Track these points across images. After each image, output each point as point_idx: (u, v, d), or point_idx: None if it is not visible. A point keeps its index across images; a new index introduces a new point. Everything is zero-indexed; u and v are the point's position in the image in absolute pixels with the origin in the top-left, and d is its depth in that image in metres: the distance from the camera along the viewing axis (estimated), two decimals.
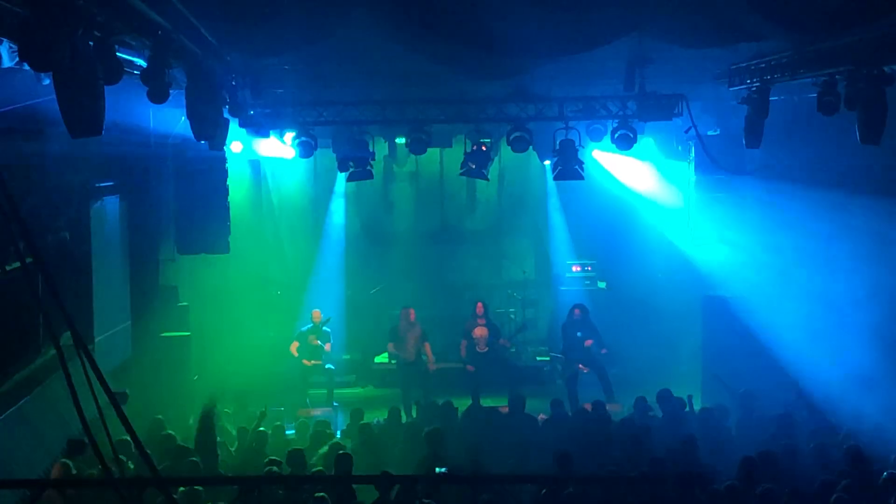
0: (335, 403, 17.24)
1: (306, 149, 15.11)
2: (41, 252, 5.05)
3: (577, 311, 17.05)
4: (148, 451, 5.69)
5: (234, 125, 13.74)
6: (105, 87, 7.60)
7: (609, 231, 19.39)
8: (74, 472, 9.83)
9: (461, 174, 16.30)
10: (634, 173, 18.65)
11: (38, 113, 9.38)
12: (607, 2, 9.75)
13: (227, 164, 15.83)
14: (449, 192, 20.35)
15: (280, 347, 17.95)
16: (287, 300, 19.27)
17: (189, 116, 10.99)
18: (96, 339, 13.04)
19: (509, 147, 15.29)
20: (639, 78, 13.50)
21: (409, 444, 12.39)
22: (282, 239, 20.00)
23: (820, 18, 9.53)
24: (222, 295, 18.02)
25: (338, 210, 19.84)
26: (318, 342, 17.46)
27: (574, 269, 19.64)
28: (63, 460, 10.10)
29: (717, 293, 17.04)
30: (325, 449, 11.79)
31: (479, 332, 17.20)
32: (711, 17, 9.99)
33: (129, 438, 7.69)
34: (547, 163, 17.39)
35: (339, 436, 13.11)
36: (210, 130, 11.40)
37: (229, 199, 15.91)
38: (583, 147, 15.38)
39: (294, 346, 17.49)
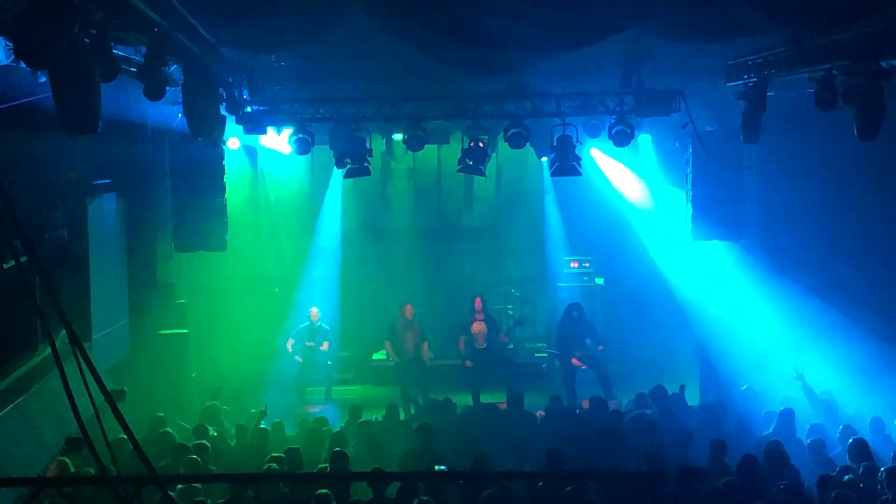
0: (333, 400, 17.24)
1: (303, 146, 15.09)
2: (38, 250, 5.04)
3: (574, 313, 17.04)
4: (147, 450, 5.68)
5: (230, 122, 13.73)
6: (101, 84, 7.59)
7: (606, 227, 19.38)
8: (73, 469, 9.82)
9: (458, 171, 16.27)
10: (629, 184, 18.80)
11: (35, 110, 9.36)
12: None
13: (224, 162, 15.81)
14: (446, 188, 20.33)
15: (278, 344, 17.95)
16: (284, 297, 19.26)
17: (186, 113, 10.99)
18: (94, 337, 13.03)
19: (506, 143, 15.28)
20: (636, 74, 13.51)
21: (407, 442, 12.39)
22: (279, 236, 19.99)
23: (817, 13, 9.53)
24: (220, 292, 18.02)
25: (335, 207, 19.82)
26: (313, 344, 17.51)
27: (572, 265, 19.65)
28: (61, 458, 10.09)
29: (714, 289, 17.07)
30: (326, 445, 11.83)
31: (478, 327, 17.19)
32: (708, 12, 9.99)
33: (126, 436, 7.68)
34: (544, 159, 17.38)
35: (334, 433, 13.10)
36: (207, 127, 11.39)
37: (226, 196, 15.89)
38: (580, 143, 15.37)
39: (290, 343, 17.52)
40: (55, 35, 6.40)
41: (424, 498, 9.34)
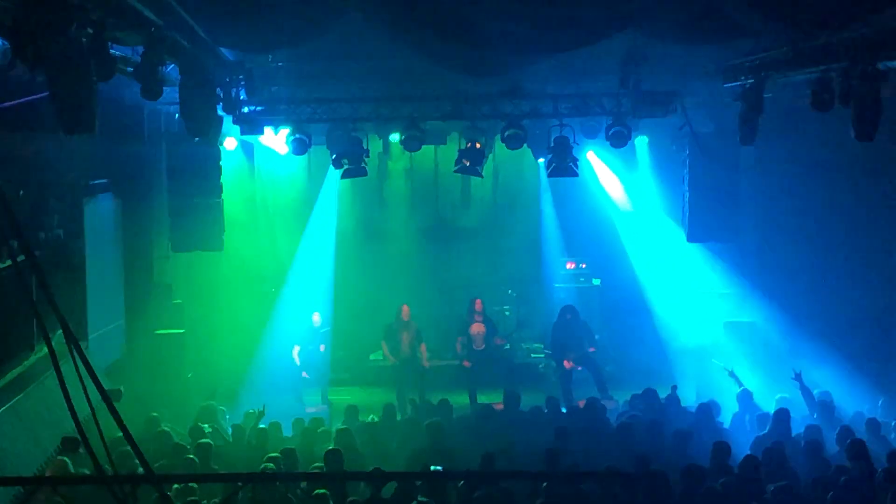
0: (329, 401, 17.23)
1: (300, 146, 15.09)
2: (34, 250, 5.03)
3: (568, 316, 17.03)
4: (143, 449, 5.67)
5: (227, 122, 13.72)
6: (98, 83, 7.59)
7: (603, 228, 19.40)
8: (73, 469, 9.80)
9: (455, 171, 16.27)
10: (625, 187, 18.88)
11: (31, 110, 9.34)
12: (598, 0, 9.76)
13: (220, 162, 15.80)
14: (443, 189, 20.31)
15: (274, 344, 17.92)
16: (280, 297, 19.23)
17: (183, 113, 11.00)
18: (90, 337, 13.02)
19: (503, 144, 15.29)
20: (633, 75, 13.51)
21: (404, 442, 12.39)
22: (276, 236, 19.96)
23: (814, 15, 9.53)
24: (216, 292, 18.00)
25: (332, 207, 19.80)
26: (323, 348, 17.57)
27: (568, 265, 19.66)
28: (60, 458, 10.07)
29: (712, 292, 17.11)
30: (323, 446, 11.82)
31: (477, 329, 17.19)
32: (705, 13, 9.99)
33: (122, 436, 7.66)
34: (541, 160, 17.40)
35: (333, 433, 13.08)
36: (204, 127, 11.39)
37: (223, 196, 15.88)
38: (577, 144, 15.38)
39: (295, 351, 17.51)
40: (52, 34, 6.40)
41: (423, 499, 9.34)
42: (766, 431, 11.99)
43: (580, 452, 11.24)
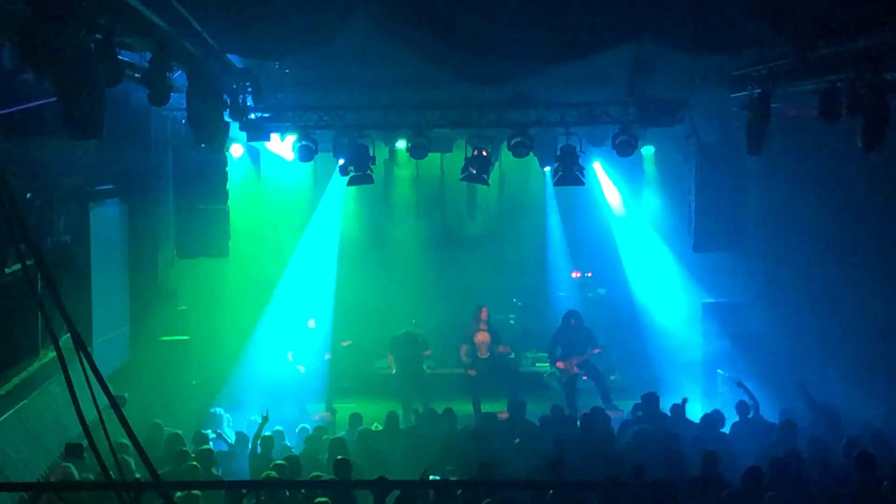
0: (333, 409, 17.20)
1: (306, 153, 15.09)
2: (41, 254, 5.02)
3: (572, 321, 17.00)
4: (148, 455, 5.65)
5: (233, 128, 13.72)
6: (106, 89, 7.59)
7: (609, 238, 19.38)
8: (76, 476, 9.79)
9: (462, 179, 16.26)
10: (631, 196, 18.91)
11: (38, 115, 9.35)
12: (606, 9, 9.74)
13: (227, 168, 15.80)
14: (449, 197, 20.32)
15: (278, 351, 17.89)
16: (286, 305, 19.20)
17: (189, 119, 11.00)
18: (95, 343, 12.99)
19: (510, 152, 15.28)
20: (641, 84, 13.50)
21: (407, 450, 12.37)
22: (281, 243, 19.95)
23: (822, 25, 9.52)
24: (222, 299, 17.98)
25: (338, 214, 19.80)
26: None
27: (574, 274, 19.64)
28: (64, 464, 10.06)
29: (716, 300, 17.06)
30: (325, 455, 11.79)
31: (481, 337, 17.14)
32: (712, 23, 9.99)
33: (127, 441, 7.66)
34: (547, 169, 17.39)
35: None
36: (210, 134, 11.40)
37: (229, 202, 15.88)
38: (584, 153, 15.37)
39: (290, 355, 17.51)
40: (61, 39, 6.40)
41: None
42: (772, 442, 11.95)
43: (583, 462, 11.22)
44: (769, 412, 13.48)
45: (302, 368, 17.34)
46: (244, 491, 7.92)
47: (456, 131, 16.01)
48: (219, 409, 14.21)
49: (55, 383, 11.04)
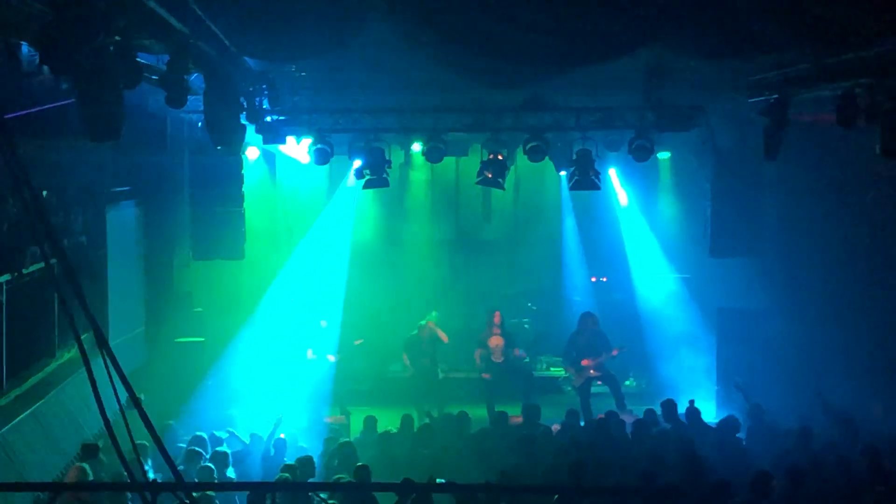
0: (347, 411, 17.20)
1: (322, 156, 15.10)
2: (59, 256, 5.05)
3: (589, 321, 16.95)
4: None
5: (250, 132, 13.75)
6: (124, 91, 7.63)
7: (624, 242, 19.35)
8: (91, 476, 9.83)
9: (477, 183, 16.25)
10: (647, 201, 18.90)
11: (56, 117, 9.40)
12: (622, 14, 9.72)
13: (243, 171, 15.84)
14: (464, 200, 20.32)
15: (293, 353, 17.92)
16: (301, 306, 19.23)
17: (206, 122, 11.03)
18: (110, 344, 13.00)
19: (525, 157, 15.26)
20: (657, 89, 13.46)
21: (421, 452, 12.37)
22: (296, 245, 19.98)
23: (839, 30, 9.49)
24: (237, 301, 18.02)
25: (353, 217, 19.82)
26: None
27: (590, 279, 19.62)
28: (80, 464, 10.10)
29: (732, 305, 17.01)
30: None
31: (495, 341, 17.12)
32: (730, 28, 9.96)
33: (143, 442, 7.69)
34: (563, 173, 17.37)
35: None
36: (227, 136, 11.43)
37: (245, 205, 15.92)
38: (599, 158, 15.34)
39: (309, 353, 17.57)
40: (80, 42, 6.42)
41: None
42: (788, 448, 11.90)
43: (602, 466, 11.20)
44: (785, 418, 13.43)
45: (332, 357, 17.37)
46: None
47: (471, 135, 16.01)
48: (232, 411, 14.23)
49: (71, 384, 11.09)
